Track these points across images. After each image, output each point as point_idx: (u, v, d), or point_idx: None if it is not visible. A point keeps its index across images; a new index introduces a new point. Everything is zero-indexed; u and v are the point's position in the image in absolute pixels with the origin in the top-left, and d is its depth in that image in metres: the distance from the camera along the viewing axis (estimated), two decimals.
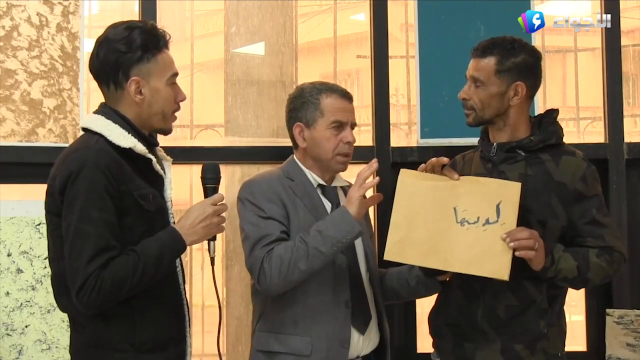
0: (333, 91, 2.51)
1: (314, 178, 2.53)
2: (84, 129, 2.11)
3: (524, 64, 2.41)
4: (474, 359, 2.41)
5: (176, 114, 2.21)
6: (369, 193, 2.54)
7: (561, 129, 2.48)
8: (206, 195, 2.16)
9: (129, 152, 2.05)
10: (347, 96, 2.53)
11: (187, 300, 2.19)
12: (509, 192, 2.30)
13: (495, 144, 2.45)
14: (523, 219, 2.33)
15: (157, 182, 2.14)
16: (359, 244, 2.49)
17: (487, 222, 2.28)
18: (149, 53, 2.08)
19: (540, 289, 2.38)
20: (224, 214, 2.14)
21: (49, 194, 2.06)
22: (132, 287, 1.97)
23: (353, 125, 2.53)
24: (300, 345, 2.37)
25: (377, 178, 2.39)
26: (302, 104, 2.52)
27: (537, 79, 2.47)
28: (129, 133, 2.06)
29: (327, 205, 2.51)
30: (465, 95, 2.46)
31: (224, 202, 2.14)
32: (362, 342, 2.45)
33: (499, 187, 2.32)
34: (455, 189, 2.33)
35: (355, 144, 2.53)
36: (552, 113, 2.49)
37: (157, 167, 2.14)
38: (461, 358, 2.43)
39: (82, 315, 2.03)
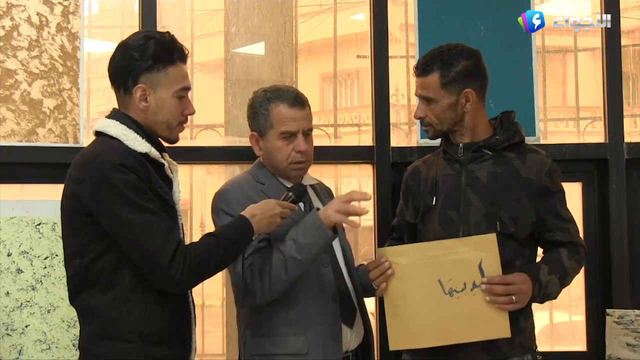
0: (282, 100, 2.43)
1: (282, 182, 2.50)
2: (97, 133, 2.15)
3: (465, 71, 2.44)
4: (456, 355, 2.41)
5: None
6: None
7: (522, 129, 2.53)
8: (282, 199, 2.29)
9: (145, 156, 2.10)
10: (297, 103, 2.44)
11: (192, 298, 2.22)
12: (485, 246, 2.32)
13: (461, 144, 2.50)
14: (496, 216, 2.39)
15: (168, 186, 2.18)
16: (335, 240, 2.43)
17: (474, 285, 2.32)
18: (160, 64, 2.13)
19: None
20: (279, 220, 2.26)
21: (71, 195, 2.08)
22: (216, 266, 2.10)
23: (307, 131, 2.46)
24: (297, 345, 2.36)
25: (366, 210, 2.32)
26: (254, 114, 2.47)
27: (483, 78, 2.50)
28: (142, 138, 2.11)
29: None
30: (421, 114, 2.51)
31: (292, 211, 2.29)
32: (351, 336, 2.45)
33: (474, 245, 2.32)
34: (433, 260, 2.33)
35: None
36: (511, 114, 2.55)
37: (169, 171, 2.19)
38: (444, 354, 2.43)
39: (97, 307, 2.05)
